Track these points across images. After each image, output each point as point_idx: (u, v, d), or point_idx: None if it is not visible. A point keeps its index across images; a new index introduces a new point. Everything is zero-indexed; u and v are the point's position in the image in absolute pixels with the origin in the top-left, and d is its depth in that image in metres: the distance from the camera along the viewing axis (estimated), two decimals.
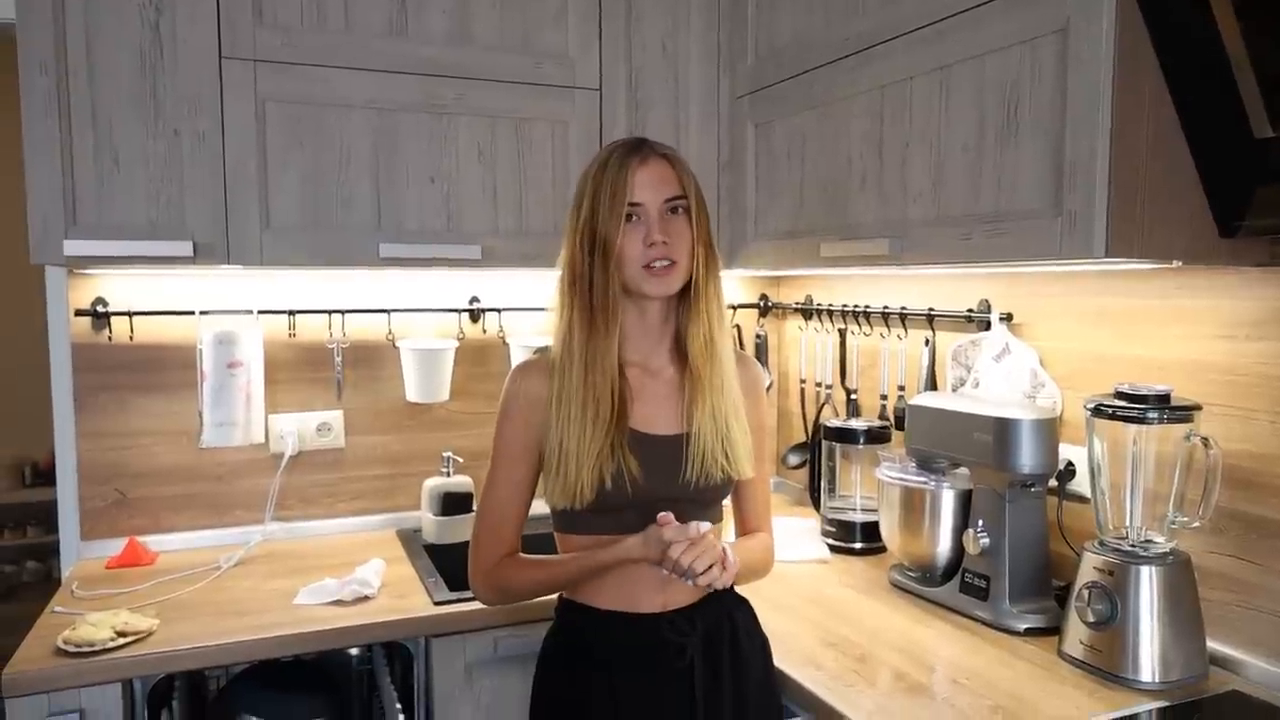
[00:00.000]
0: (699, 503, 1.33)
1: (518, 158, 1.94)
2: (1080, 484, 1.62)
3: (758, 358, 2.46)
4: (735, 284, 2.50)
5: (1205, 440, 1.36)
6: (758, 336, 2.53)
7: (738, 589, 1.40)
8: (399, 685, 1.73)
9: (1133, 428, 1.40)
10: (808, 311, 2.38)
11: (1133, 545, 1.42)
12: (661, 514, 1.22)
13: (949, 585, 1.67)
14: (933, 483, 1.70)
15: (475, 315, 2.25)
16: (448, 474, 2.13)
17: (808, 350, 2.41)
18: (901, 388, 2.08)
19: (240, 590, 1.76)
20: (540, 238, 1.94)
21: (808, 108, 1.82)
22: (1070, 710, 1.28)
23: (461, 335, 2.22)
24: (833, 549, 2.02)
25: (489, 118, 1.91)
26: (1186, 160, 1.25)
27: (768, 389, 2.41)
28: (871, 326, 2.16)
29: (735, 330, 2.49)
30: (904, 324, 2.05)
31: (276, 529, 2.09)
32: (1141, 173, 1.23)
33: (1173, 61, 1.21)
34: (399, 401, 2.18)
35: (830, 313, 2.27)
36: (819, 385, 2.33)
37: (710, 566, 1.20)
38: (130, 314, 1.95)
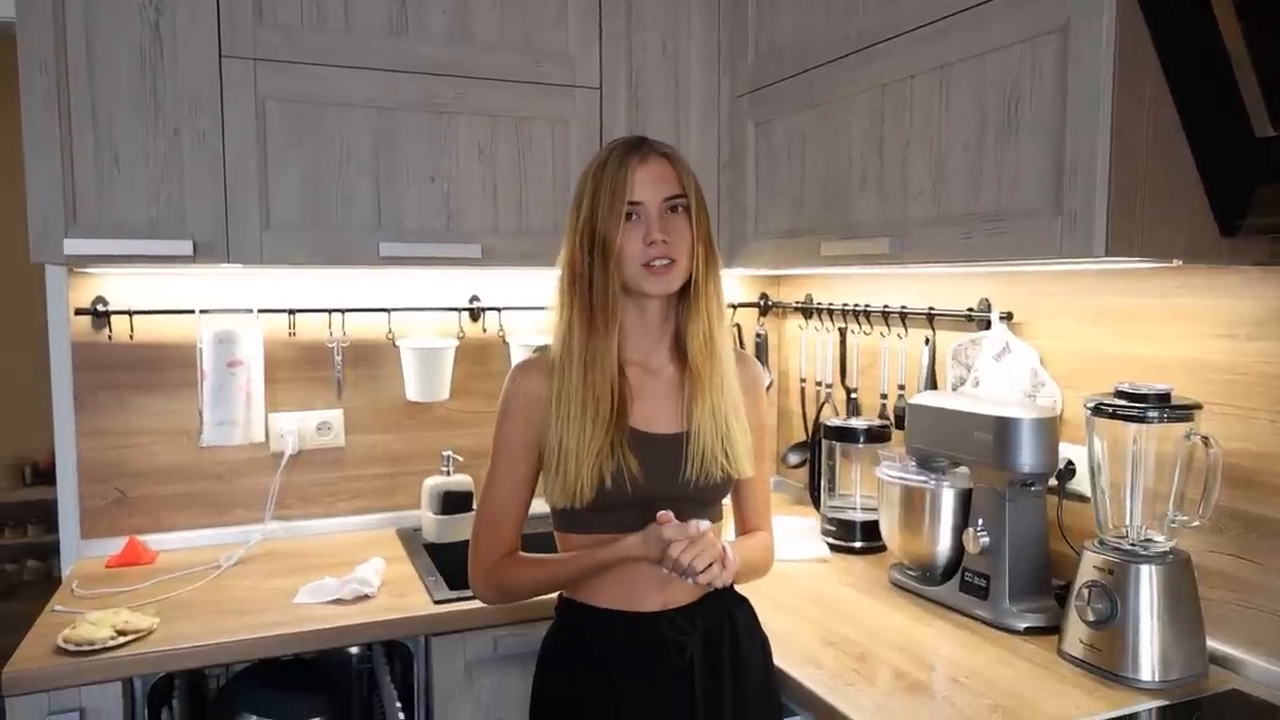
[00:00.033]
0: (699, 501, 1.33)
1: (518, 157, 1.94)
2: (1080, 483, 1.62)
3: (758, 357, 2.46)
4: (735, 283, 2.50)
5: (1205, 439, 1.36)
6: (758, 335, 2.53)
7: (737, 588, 1.40)
8: (399, 684, 1.73)
9: (1133, 427, 1.40)
10: (808, 310, 2.38)
11: (1133, 544, 1.42)
12: (661, 512, 1.22)
13: (949, 584, 1.67)
14: (933, 482, 1.70)
15: (475, 314, 2.25)
16: (448, 473, 2.13)
17: (808, 349, 2.41)
18: (901, 387, 2.08)
19: (240, 589, 1.76)
20: (540, 237, 1.94)
21: (808, 107, 1.82)
22: (1070, 709, 1.28)
23: (461, 334, 2.22)
24: (833, 548, 2.02)
25: (489, 117, 1.91)
26: (1187, 159, 1.25)
27: (768, 388, 2.41)
28: (871, 325, 2.16)
29: (735, 329, 2.49)
30: (904, 323, 2.05)
31: (276, 528, 2.09)
32: (1142, 172, 1.23)
33: (1173, 60, 1.21)
34: (399, 400, 2.18)
35: (830, 312, 2.27)
36: (819, 384, 2.33)
37: (710, 565, 1.20)
38: (130, 313, 1.95)
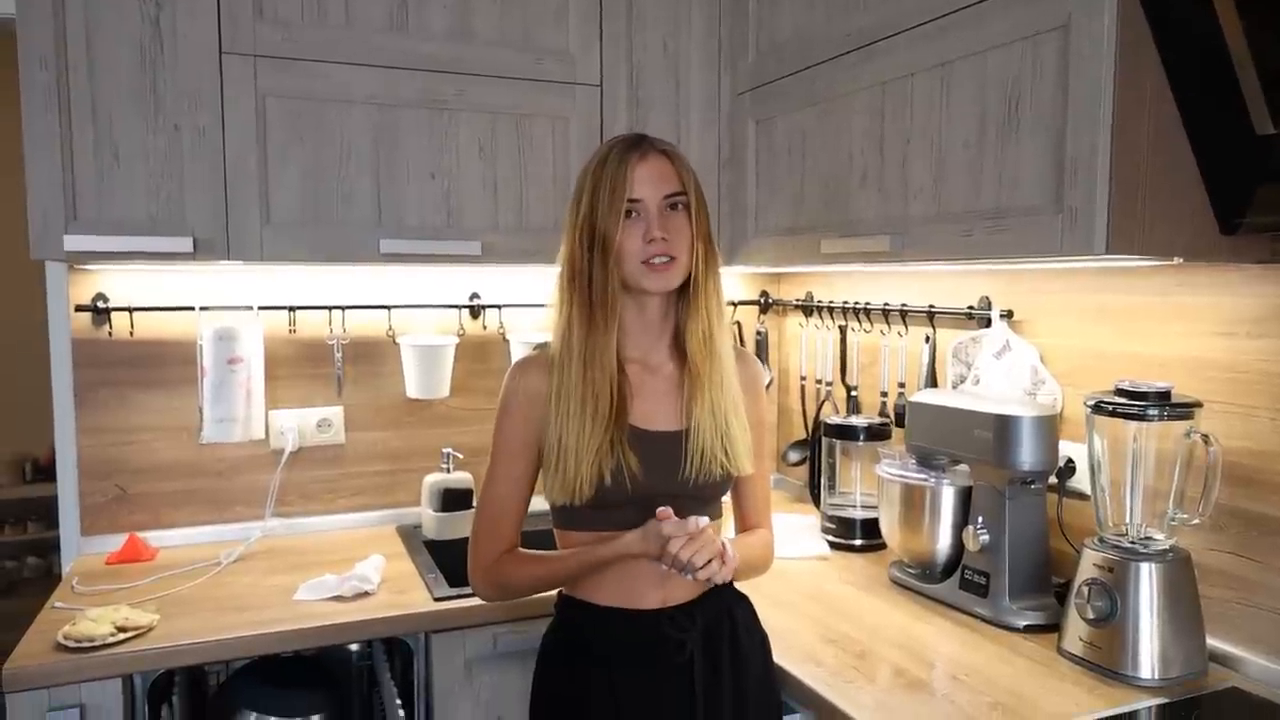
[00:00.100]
0: (698, 499, 1.33)
1: (518, 154, 1.94)
2: (1080, 481, 1.62)
3: (758, 354, 2.46)
4: (736, 281, 2.50)
5: (1205, 437, 1.36)
6: (758, 333, 2.53)
7: (737, 585, 1.41)
8: (399, 681, 1.73)
9: (1133, 425, 1.40)
10: (808, 308, 2.38)
11: (1132, 542, 1.42)
12: (660, 509, 1.22)
13: (949, 582, 1.67)
14: (933, 479, 1.70)
15: (475, 311, 2.25)
16: (448, 470, 2.12)
17: (808, 347, 2.41)
18: (902, 384, 2.08)
19: (240, 586, 1.76)
20: (540, 234, 1.94)
21: (809, 104, 1.81)
22: (1069, 707, 1.28)
23: (462, 331, 2.22)
24: (832, 546, 2.02)
25: (489, 114, 1.90)
26: (1187, 157, 1.25)
27: (768, 386, 2.41)
28: (872, 323, 2.16)
29: (735, 327, 2.49)
30: (904, 321, 2.05)
31: (277, 525, 2.09)
32: (1142, 169, 1.23)
33: (1174, 58, 1.21)
34: (399, 397, 2.18)
35: (831, 309, 2.27)
36: (819, 382, 2.33)
37: (709, 561, 1.20)
38: (130, 309, 1.95)
